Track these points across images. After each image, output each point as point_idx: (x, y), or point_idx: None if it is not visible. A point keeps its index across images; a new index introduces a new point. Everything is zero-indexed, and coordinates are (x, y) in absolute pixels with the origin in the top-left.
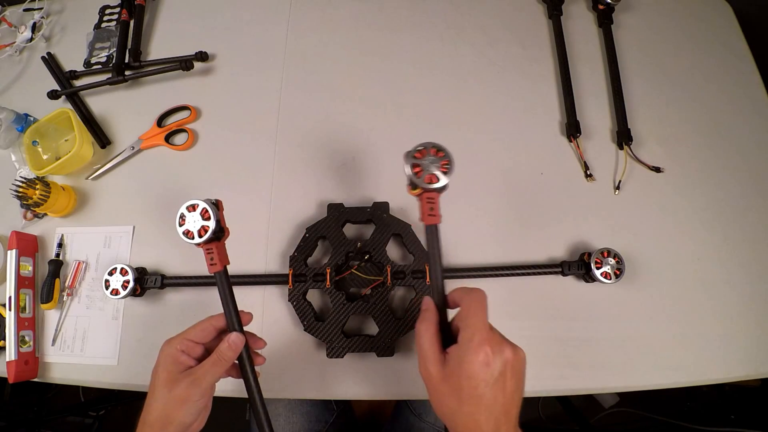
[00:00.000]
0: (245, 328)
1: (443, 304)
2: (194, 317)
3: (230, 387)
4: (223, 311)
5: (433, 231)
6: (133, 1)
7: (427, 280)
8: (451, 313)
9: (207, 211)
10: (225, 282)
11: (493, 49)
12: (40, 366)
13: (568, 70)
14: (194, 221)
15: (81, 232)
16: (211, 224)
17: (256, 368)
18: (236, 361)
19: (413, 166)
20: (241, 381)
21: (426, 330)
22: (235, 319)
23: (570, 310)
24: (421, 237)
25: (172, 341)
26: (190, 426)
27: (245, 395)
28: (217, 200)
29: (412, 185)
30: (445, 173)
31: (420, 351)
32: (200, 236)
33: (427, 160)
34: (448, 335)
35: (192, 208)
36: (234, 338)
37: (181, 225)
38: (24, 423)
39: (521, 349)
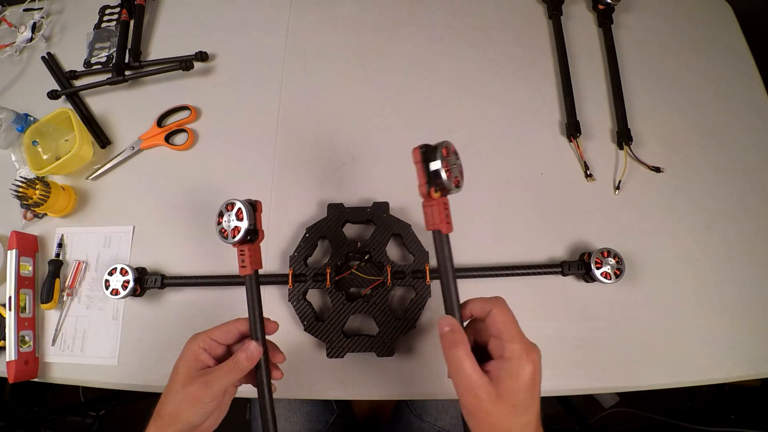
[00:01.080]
0: (270, 338)
1: (461, 319)
2: (194, 317)
3: None
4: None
5: (447, 240)
6: (133, 1)
7: (426, 280)
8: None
9: (242, 211)
10: (254, 286)
11: (493, 49)
12: (40, 366)
13: (568, 70)
14: (229, 220)
15: (81, 232)
16: (244, 225)
17: (273, 382)
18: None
19: (444, 164)
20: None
21: (464, 356)
22: (258, 327)
23: (570, 310)
24: (422, 237)
25: (197, 337)
26: (199, 426)
27: (246, 395)
28: (255, 201)
29: (439, 187)
30: (462, 179)
31: (461, 379)
32: (233, 236)
33: (451, 160)
34: (475, 350)
35: (230, 207)
36: (252, 349)
37: (218, 223)
38: (24, 423)
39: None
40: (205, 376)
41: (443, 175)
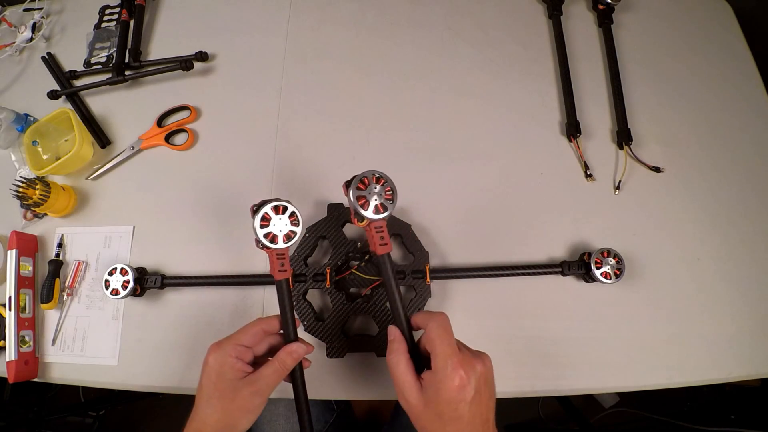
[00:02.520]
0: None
1: (409, 329)
2: (194, 317)
3: None
4: (277, 315)
5: (386, 260)
6: (133, 1)
7: (426, 280)
8: (417, 334)
9: (295, 215)
10: (287, 290)
11: (493, 49)
12: (40, 366)
13: (568, 70)
14: (281, 224)
15: (81, 232)
16: (299, 230)
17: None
18: None
19: (358, 198)
20: None
21: (398, 361)
22: (291, 327)
23: (570, 310)
24: (422, 237)
25: (224, 347)
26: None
27: None
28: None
29: (359, 217)
30: (390, 200)
31: (396, 382)
32: (284, 242)
33: (371, 189)
34: (418, 358)
35: (279, 210)
36: (296, 348)
37: (263, 226)
38: (24, 423)
39: (487, 356)
40: (254, 384)
41: (358, 207)
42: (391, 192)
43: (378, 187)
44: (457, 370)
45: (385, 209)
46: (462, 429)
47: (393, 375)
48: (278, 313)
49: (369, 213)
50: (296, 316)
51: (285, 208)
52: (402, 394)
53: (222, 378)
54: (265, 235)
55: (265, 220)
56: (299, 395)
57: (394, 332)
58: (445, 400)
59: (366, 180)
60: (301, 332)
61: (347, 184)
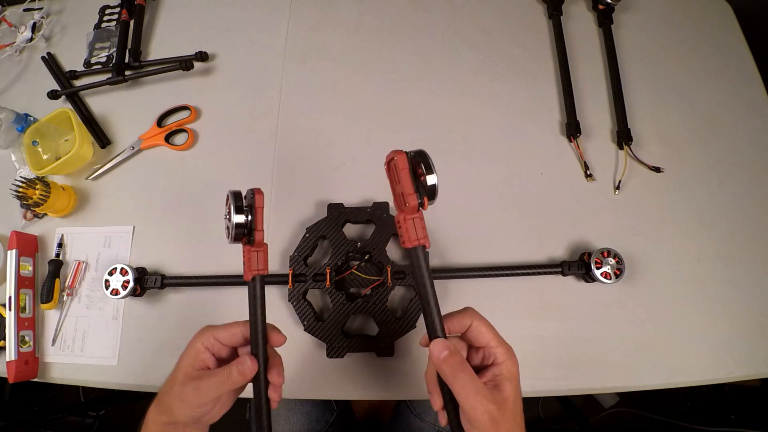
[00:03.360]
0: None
1: (444, 333)
2: (194, 317)
3: None
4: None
5: (427, 255)
6: (133, 1)
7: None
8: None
9: (231, 207)
10: (257, 295)
11: (493, 49)
12: (40, 366)
13: (568, 70)
14: (226, 216)
15: (81, 232)
16: (231, 223)
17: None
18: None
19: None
20: None
21: (473, 379)
22: (260, 340)
23: (570, 310)
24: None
25: (204, 334)
26: (190, 424)
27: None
28: (253, 192)
29: (431, 197)
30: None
31: (479, 403)
32: (227, 235)
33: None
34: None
35: (227, 200)
36: (246, 366)
37: (225, 219)
38: (24, 423)
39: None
40: (198, 380)
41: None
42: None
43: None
44: (512, 351)
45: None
46: (522, 418)
47: (469, 396)
48: (283, 304)
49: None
50: (279, 332)
51: (227, 200)
52: (487, 414)
53: (186, 363)
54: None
55: (227, 215)
56: (261, 422)
57: (447, 345)
58: (518, 384)
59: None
60: (301, 332)
61: (413, 154)
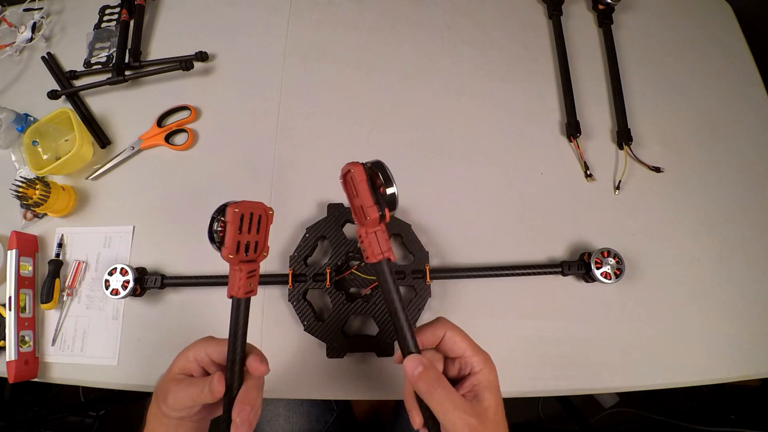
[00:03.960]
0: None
1: (417, 348)
2: (194, 317)
3: None
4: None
5: (383, 267)
6: (133, 1)
7: (426, 280)
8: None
9: (223, 225)
10: (237, 315)
11: (493, 49)
12: (40, 366)
13: (568, 70)
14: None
15: (81, 232)
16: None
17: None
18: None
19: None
20: None
21: (450, 393)
22: (238, 362)
23: (570, 310)
24: (422, 237)
25: (197, 345)
26: (178, 418)
27: None
28: (225, 206)
29: (392, 208)
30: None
31: (457, 419)
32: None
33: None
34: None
35: (219, 212)
36: (213, 386)
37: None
38: (24, 423)
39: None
40: (177, 385)
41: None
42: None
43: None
44: (489, 359)
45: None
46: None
47: (447, 411)
48: (283, 304)
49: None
50: (262, 361)
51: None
52: (469, 427)
53: (176, 365)
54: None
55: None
56: None
57: (421, 360)
58: (498, 391)
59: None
60: (301, 332)
61: (370, 165)
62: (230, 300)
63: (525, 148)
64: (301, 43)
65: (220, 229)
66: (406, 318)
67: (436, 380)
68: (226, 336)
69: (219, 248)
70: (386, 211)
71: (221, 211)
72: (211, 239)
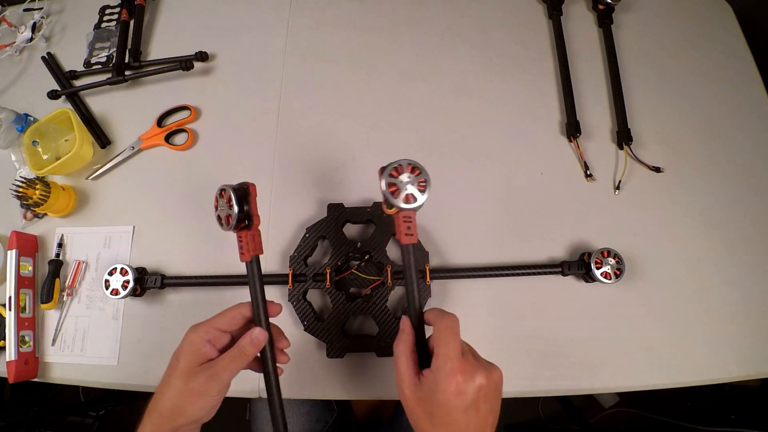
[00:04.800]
0: (274, 320)
1: (420, 323)
2: (194, 317)
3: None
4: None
5: (409, 250)
6: (133, 1)
7: (426, 280)
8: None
9: (232, 198)
10: (255, 273)
11: (493, 49)
12: (40, 366)
13: (568, 70)
14: (222, 208)
15: (81, 232)
16: (234, 212)
17: (279, 366)
18: (258, 355)
19: (389, 185)
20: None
21: (402, 352)
22: (262, 312)
23: (570, 310)
24: (422, 237)
25: (199, 328)
26: (201, 419)
27: (245, 395)
28: (248, 185)
29: (388, 204)
30: (422, 192)
31: (396, 372)
32: (227, 224)
33: (404, 178)
34: (424, 354)
35: (222, 193)
36: (257, 334)
37: (215, 210)
38: (24, 423)
39: (497, 370)
40: (211, 369)
41: (388, 193)
42: (424, 183)
43: (411, 176)
44: (454, 376)
45: (416, 200)
46: None
47: (395, 364)
48: (283, 304)
49: (398, 201)
50: (275, 303)
51: (224, 192)
52: (399, 386)
53: (186, 359)
54: (217, 218)
55: (216, 204)
56: (271, 389)
57: (405, 323)
58: (438, 402)
59: (400, 168)
60: (300, 332)
61: (381, 170)
62: (229, 298)
63: (525, 148)
64: (301, 43)
65: (218, 208)
66: (418, 288)
67: (400, 341)
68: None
69: (248, 223)
70: (384, 206)
71: (238, 190)
72: (243, 220)
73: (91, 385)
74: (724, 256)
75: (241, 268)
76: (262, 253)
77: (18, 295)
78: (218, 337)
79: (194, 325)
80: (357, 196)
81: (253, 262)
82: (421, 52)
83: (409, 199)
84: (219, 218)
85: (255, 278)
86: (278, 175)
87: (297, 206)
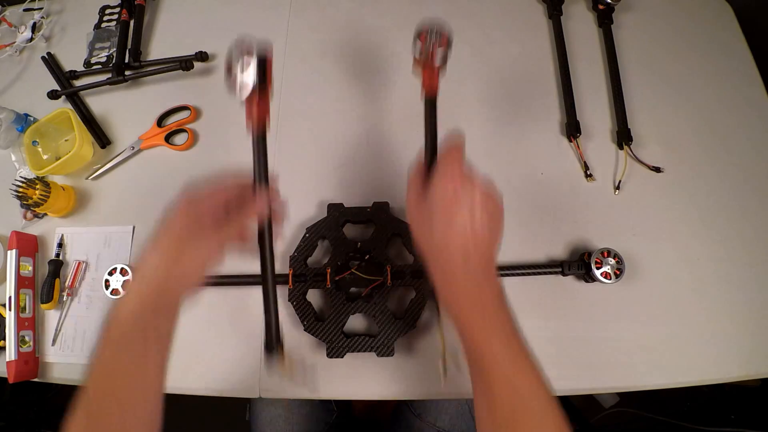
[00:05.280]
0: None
1: (434, 156)
2: (194, 317)
3: (230, 387)
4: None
5: (432, 103)
6: (133, 1)
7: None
8: None
9: (252, 66)
10: (259, 145)
11: (493, 49)
12: (40, 366)
13: (568, 70)
14: (237, 72)
15: (81, 232)
16: (251, 81)
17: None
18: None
19: (420, 35)
20: (241, 379)
21: (415, 169)
22: (262, 180)
23: (570, 310)
24: None
25: (197, 198)
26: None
27: (245, 395)
28: (265, 54)
29: (422, 56)
30: (447, 47)
31: (407, 186)
32: (241, 91)
33: (432, 38)
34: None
35: (240, 55)
36: (260, 202)
37: (229, 73)
38: (24, 423)
39: (497, 193)
40: (218, 233)
41: (421, 46)
42: (448, 41)
43: (437, 35)
44: (453, 178)
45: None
46: (450, 232)
47: (406, 191)
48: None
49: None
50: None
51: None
52: (407, 194)
53: (186, 226)
54: (230, 85)
55: (230, 69)
56: (266, 274)
57: (419, 156)
58: (438, 197)
59: (427, 28)
60: (300, 332)
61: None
62: (228, 298)
63: (525, 148)
64: (301, 43)
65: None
66: (436, 135)
67: (415, 165)
68: None
69: (263, 86)
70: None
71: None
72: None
73: None
74: (723, 256)
75: (241, 267)
76: (269, 127)
77: (18, 295)
78: (216, 208)
79: (190, 192)
80: (357, 196)
81: (263, 127)
82: None
83: (433, 55)
84: (232, 82)
85: (259, 151)
86: (278, 175)
87: (297, 206)
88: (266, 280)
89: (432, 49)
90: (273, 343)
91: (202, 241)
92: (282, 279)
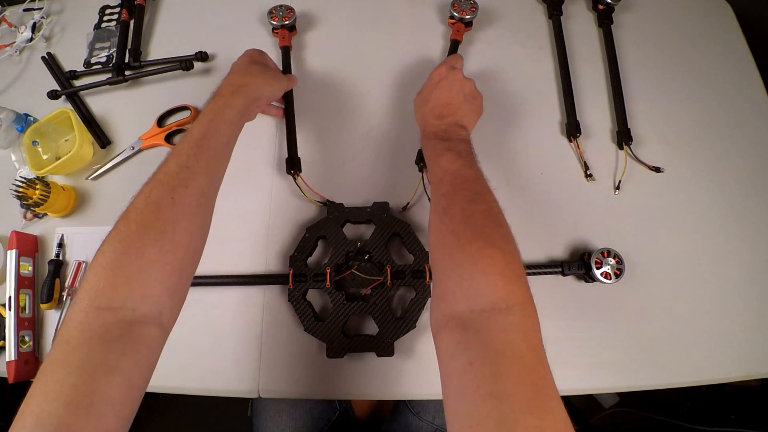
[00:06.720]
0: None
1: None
2: (194, 317)
3: (230, 387)
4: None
5: (456, 44)
6: (133, 1)
7: (426, 280)
8: None
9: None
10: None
11: (493, 49)
12: (40, 366)
13: (568, 70)
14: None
15: (81, 232)
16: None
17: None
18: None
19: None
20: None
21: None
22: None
23: (570, 310)
24: (422, 237)
25: (261, 53)
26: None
27: (245, 395)
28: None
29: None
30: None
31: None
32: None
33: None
34: None
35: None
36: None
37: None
38: None
39: (475, 86)
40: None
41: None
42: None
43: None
44: (446, 65)
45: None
46: (430, 101)
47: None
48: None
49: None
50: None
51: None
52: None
53: (260, 60)
54: (271, 20)
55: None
56: (291, 117)
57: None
58: (431, 76)
59: None
60: (300, 332)
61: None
62: (229, 298)
63: (525, 148)
64: (301, 43)
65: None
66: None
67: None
68: None
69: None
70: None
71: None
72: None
73: None
74: (724, 256)
75: (240, 268)
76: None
77: (18, 295)
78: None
79: (258, 51)
80: (357, 196)
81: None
82: (420, 51)
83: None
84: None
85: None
86: (278, 175)
87: (297, 206)
88: (290, 123)
89: (462, 14)
90: (293, 160)
91: (269, 72)
92: (282, 279)
